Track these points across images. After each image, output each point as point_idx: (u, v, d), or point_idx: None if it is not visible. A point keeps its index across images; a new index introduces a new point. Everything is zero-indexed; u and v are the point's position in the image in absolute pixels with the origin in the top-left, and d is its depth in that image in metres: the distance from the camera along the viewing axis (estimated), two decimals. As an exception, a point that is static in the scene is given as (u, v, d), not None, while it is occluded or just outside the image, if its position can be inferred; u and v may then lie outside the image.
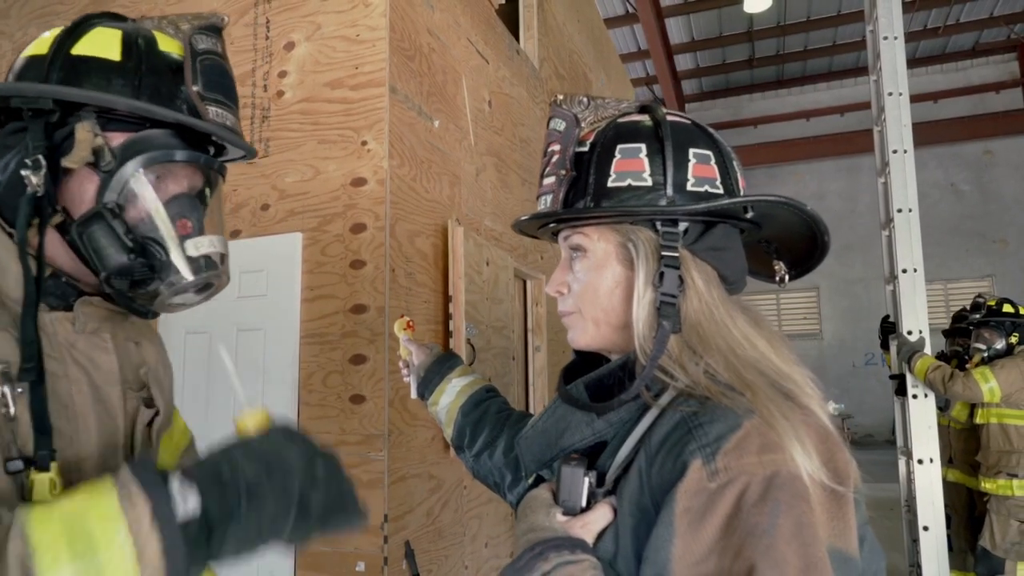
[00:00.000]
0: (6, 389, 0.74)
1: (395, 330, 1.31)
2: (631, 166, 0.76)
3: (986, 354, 3.71)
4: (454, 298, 3.50)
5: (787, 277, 0.85)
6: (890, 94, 3.44)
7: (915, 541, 3.38)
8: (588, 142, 0.80)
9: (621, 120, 0.81)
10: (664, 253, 0.74)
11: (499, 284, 4.02)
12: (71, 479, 0.78)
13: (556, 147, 0.81)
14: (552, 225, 0.84)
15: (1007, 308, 3.78)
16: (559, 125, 0.81)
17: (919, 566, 3.27)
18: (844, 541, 0.62)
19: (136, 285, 0.84)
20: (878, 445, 11.11)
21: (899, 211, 3.33)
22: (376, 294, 3.00)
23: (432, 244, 3.44)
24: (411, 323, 1.32)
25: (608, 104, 0.83)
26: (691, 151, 0.76)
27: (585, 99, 0.83)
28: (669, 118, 0.79)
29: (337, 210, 3.11)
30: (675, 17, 11.01)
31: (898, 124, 3.41)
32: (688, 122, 0.80)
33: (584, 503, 0.73)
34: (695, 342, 0.72)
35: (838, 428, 0.70)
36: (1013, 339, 3.68)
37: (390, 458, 2.93)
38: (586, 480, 0.73)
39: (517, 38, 5.18)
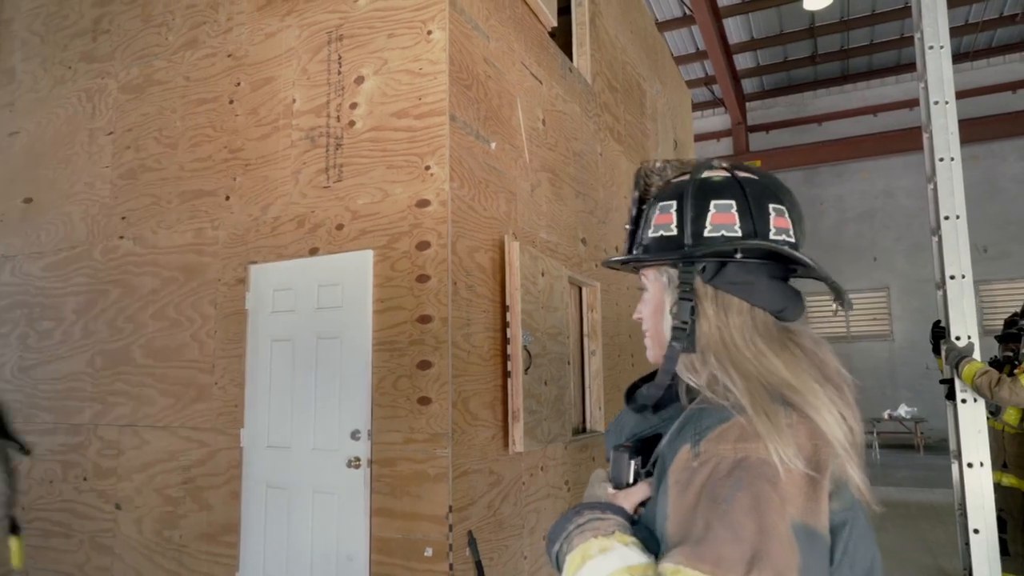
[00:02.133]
0: None
1: None
2: (665, 220, 0.96)
3: (1035, 359, 3.70)
4: (511, 308, 3.73)
5: (838, 307, 1.00)
6: (936, 103, 3.48)
7: (967, 544, 3.40)
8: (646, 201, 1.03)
9: (673, 180, 1.01)
10: (679, 288, 0.94)
11: (554, 293, 4.21)
12: None
13: (631, 206, 1.07)
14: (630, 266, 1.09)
15: (1057, 313, 3.75)
16: (634, 188, 1.07)
17: (971, 568, 3.31)
18: (814, 519, 0.78)
19: None
20: (953, 449, 10.67)
21: (946, 218, 3.37)
22: (440, 305, 3.28)
23: (490, 258, 3.70)
24: None
25: (678, 166, 1.04)
26: (712, 202, 0.94)
27: (660, 163, 1.05)
28: (706, 174, 0.98)
29: (404, 229, 3.40)
30: (733, 17, 10.96)
31: (944, 132, 3.44)
32: (722, 177, 0.97)
33: (631, 480, 0.92)
34: (708, 358, 0.91)
35: (865, 435, 0.85)
36: (1064, 344, 3.66)
37: (454, 454, 3.20)
38: (631, 463, 0.92)
39: (570, 56, 5.34)
